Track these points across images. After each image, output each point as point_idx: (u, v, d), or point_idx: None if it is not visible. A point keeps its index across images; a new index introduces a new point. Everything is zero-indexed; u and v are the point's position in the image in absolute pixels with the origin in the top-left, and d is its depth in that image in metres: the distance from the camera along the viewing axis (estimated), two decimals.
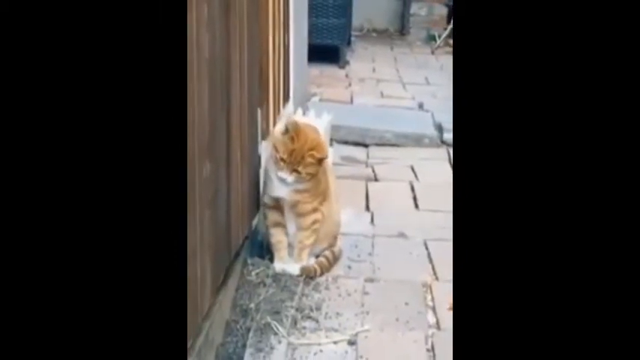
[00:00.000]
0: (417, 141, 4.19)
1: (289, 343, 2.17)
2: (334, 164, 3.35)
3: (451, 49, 6.34)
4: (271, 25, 2.87)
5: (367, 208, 3.28)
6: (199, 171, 1.79)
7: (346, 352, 2.15)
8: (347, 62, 6.06)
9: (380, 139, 4.18)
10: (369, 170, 3.76)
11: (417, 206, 3.32)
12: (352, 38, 6.72)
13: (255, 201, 2.62)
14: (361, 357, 2.12)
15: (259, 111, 2.63)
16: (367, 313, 2.36)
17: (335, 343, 2.19)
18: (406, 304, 2.42)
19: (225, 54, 2.05)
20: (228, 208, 2.16)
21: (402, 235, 2.97)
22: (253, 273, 2.51)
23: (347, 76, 5.74)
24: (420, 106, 4.87)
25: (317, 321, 2.29)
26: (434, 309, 2.41)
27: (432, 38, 7.13)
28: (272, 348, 2.13)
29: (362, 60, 6.30)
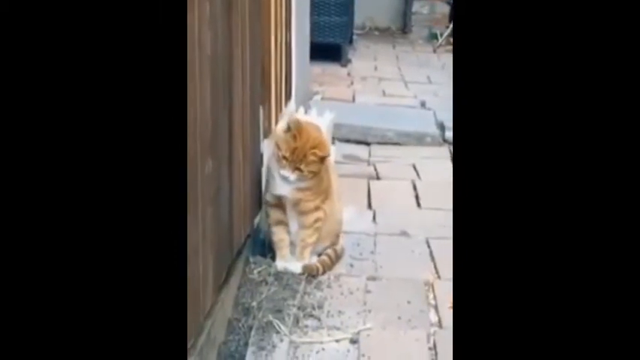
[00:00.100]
0: (419, 139, 4.19)
1: (291, 342, 2.16)
2: (336, 162, 3.34)
3: None
4: (273, 24, 2.87)
5: (369, 206, 3.28)
6: (201, 168, 1.78)
7: (348, 350, 2.15)
8: (349, 60, 6.07)
9: (382, 137, 4.18)
10: (371, 168, 3.76)
11: (419, 205, 3.32)
12: (354, 36, 6.72)
13: (258, 199, 2.62)
14: (363, 355, 2.12)
15: (261, 109, 2.63)
16: (369, 311, 2.36)
17: (337, 341, 2.19)
18: (408, 302, 2.42)
19: (228, 52, 2.05)
20: (230, 206, 2.16)
21: (404, 233, 2.97)
22: (255, 271, 2.51)
23: (349, 74, 5.73)
24: (422, 104, 4.87)
25: (319, 319, 2.29)
26: (436, 307, 2.40)
27: (434, 37, 7.13)
28: (274, 346, 2.13)
29: (364, 58, 6.30)
